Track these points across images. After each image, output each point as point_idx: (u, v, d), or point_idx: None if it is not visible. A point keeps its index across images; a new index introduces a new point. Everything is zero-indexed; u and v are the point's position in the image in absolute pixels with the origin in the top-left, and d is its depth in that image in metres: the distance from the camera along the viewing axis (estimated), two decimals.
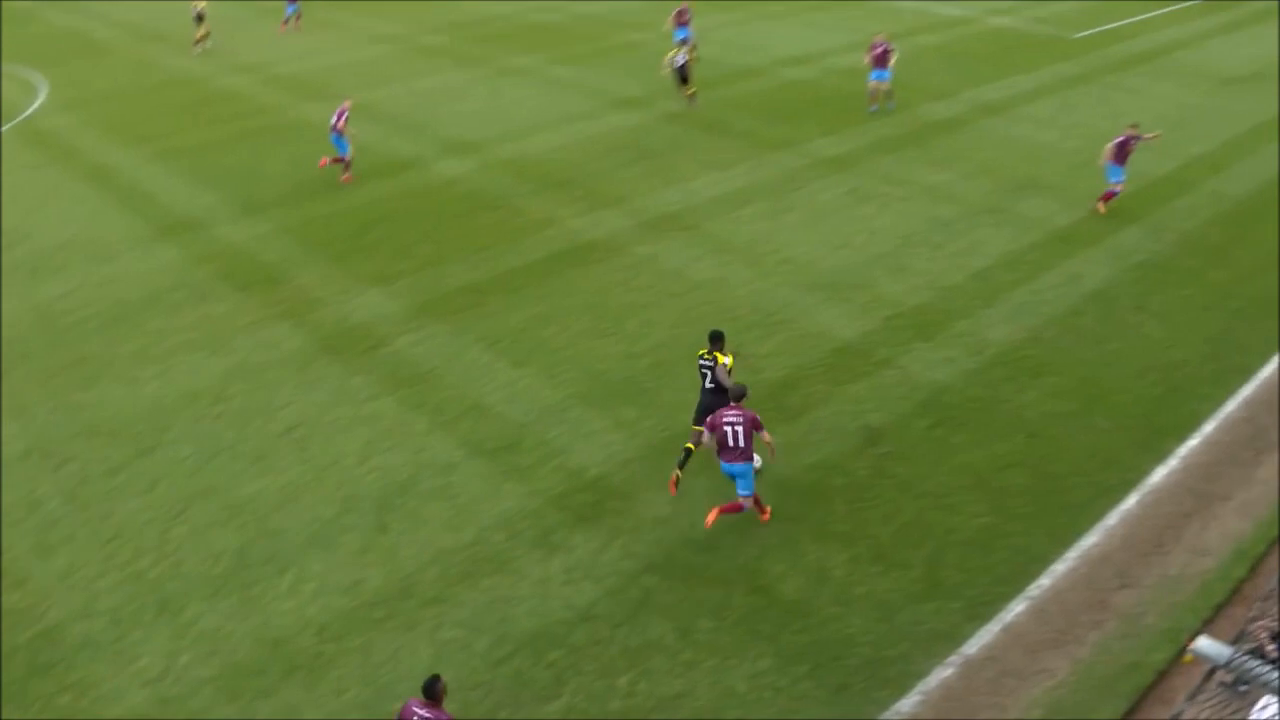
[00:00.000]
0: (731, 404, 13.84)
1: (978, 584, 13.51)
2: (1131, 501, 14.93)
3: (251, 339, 19.13)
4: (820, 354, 18.32)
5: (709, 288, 20.51)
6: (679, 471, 14.74)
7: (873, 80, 30.56)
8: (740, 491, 13.89)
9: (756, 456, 14.44)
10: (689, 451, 14.78)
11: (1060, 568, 13.78)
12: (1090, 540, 14.21)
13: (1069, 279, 21.01)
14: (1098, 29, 42.16)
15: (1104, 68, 36.33)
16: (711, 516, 13.96)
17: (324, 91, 32.95)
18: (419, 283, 20.88)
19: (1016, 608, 13.20)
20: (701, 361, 14.88)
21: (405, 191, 25.22)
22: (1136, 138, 23.87)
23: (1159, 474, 15.48)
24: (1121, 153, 23.75)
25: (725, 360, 14.73)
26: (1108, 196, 23.95)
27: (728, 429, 13.62)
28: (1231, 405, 17.10)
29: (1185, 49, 38.89)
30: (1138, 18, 44.57)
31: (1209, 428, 16.55)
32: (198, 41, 38.81)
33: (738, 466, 13.70)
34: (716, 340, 14.85)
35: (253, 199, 25.10)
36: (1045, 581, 13.58)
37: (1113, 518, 14.62)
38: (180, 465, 15.92)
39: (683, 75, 31.20)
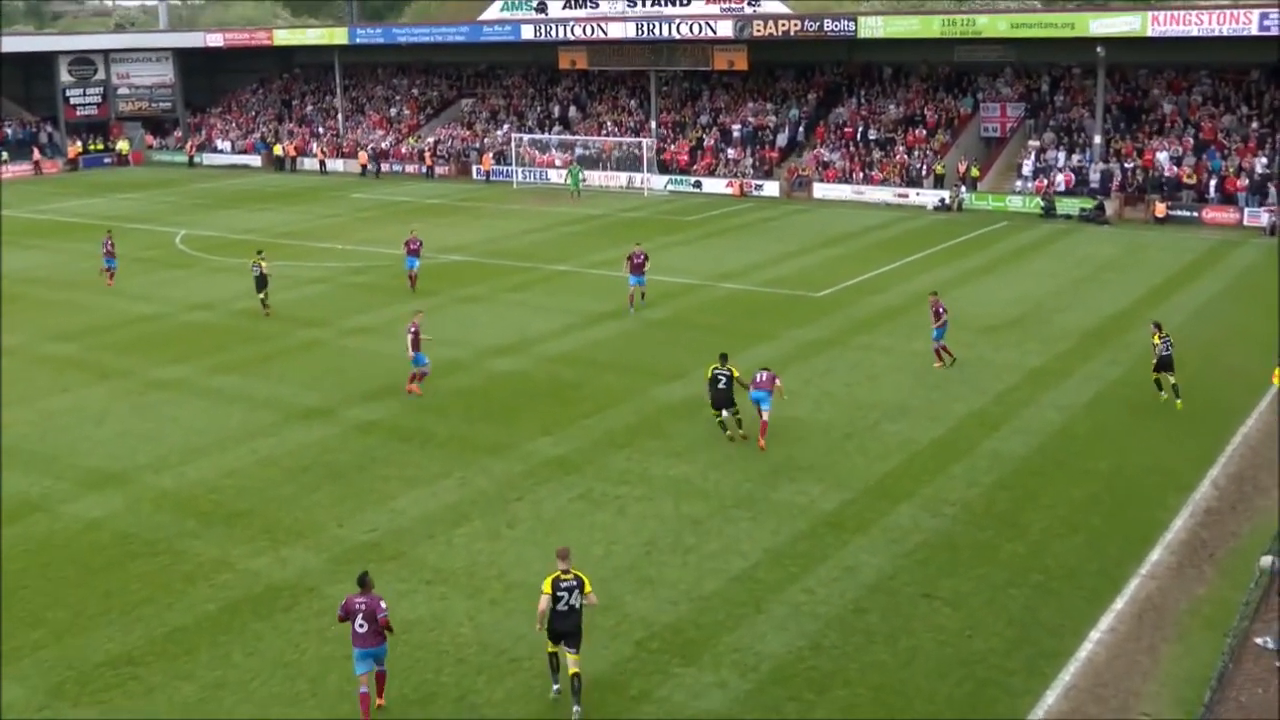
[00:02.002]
0: (764, 371, 28.35)
1: None
2: None
3: None
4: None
5: (424, 627, 20.30)
6: (728, 432, 28.63)
7: (631, 285, 41.51)
8: (764, 407, 28.03)
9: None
10: (723, 425, 28.65)
11: None
12: None
13: (844, 571, 21.92)
14: (841, 285, 45.55)
15: (852, 327, 39.14)
16: (761, 442, 28.05)
17: None
18: (53, 659, 19.75)
19: None
20: (718, 372, 28.03)
21: (32, 543, 24.14)
22: (939, 303, 34.56)
23: None
24: (939, 317, 34.18)
25: (736, 371, 28.22)
26: (943, 352, 34.48)
27: (759, 374, 28.12)
28: (1051, 698, 17.91)
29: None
30: (883, 269, 48.40)
31: None
32: None
33: (761, 393, 27.91)
34: (725, 358, 28.41)
35: None
36: None
37: None
38: None
39: (260, 284, 42.10)
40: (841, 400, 31.91)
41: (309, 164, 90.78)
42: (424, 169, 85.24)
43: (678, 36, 75.04)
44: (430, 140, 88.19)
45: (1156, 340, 30.84)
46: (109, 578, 22.54)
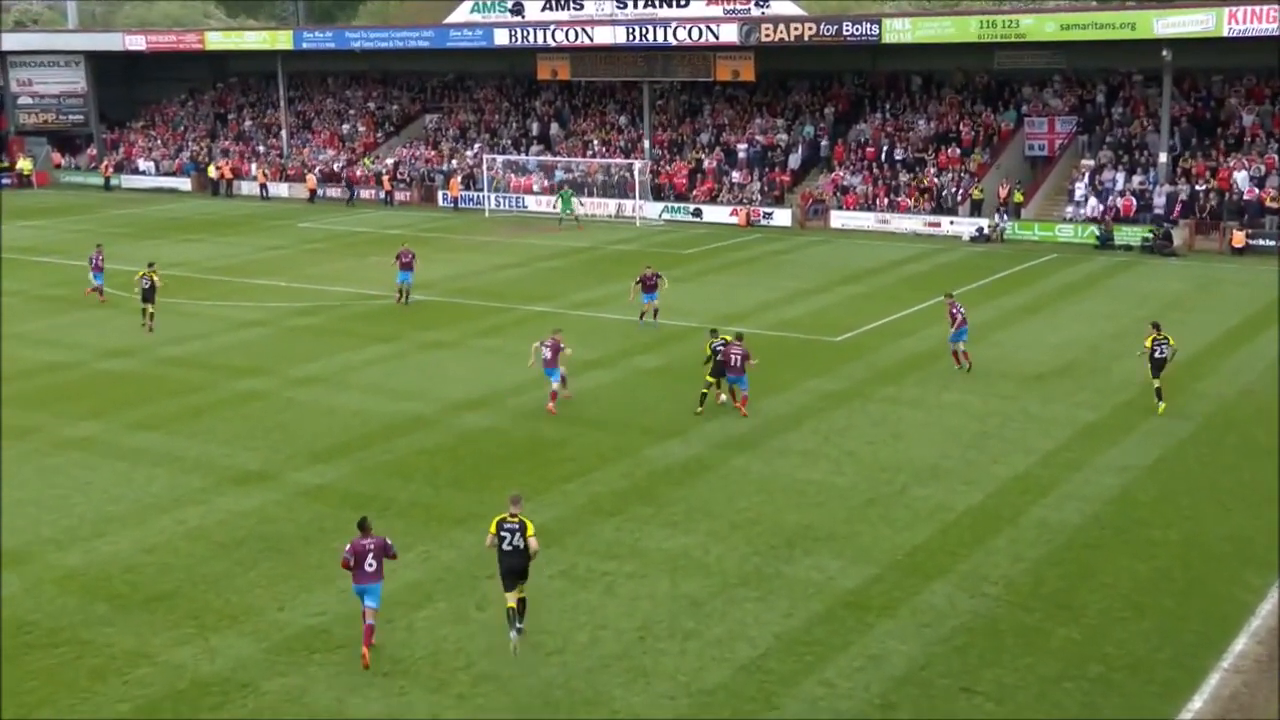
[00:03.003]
0: (734, 344, 34.85)
1: None
2: None
3: None
4: None
5: None
6: (701, 406, 35.69)
7: (644, 301, 45.88)
8: (741, 389, 35.08)
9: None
10: (707, 391, 35.78)
11: None
12: None
13: (870, 661, 21.79)
14: (863, 328, 45.58)
15: (875, 377, 39.18)
16: (743, 410, 35.17)
17: None
18: None
19: None
20: (715, 345, 35.19)
21: None
22: (955, 304, 39.29)
23: None
24: (957, 320, 38.84)
25: (731, 339, 35.44)
26: (961, 356, 39.42)
27: (733, 356, 34.60)
28: None
29: (974, 343, 42.25)
30: (911, 309, 48.38)
31: None
32: None
33: (736, 378, 34.82)
34: (715, 332, 36.22)
35: None
36: None
37: None
38: None
39: (148, 295, 46.73)
40: (864, 461, 31.84)
41: (248, 188, 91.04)
42: (382, 194, 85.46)
43: (674, 42, 75.54)
44: (389, 161, 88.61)
45: (1149, 343, 34.67)
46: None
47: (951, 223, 68.52)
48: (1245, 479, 30.09)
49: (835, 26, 71.28)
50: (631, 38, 76.48)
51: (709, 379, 35.68)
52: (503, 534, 22.10)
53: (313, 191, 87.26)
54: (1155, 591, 24.31)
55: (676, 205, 76.49)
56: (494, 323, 48.13)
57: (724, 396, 35.85)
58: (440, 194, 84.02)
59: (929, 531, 27.31)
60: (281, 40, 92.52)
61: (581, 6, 79.04)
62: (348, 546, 22.01)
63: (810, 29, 71.71)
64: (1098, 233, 63.58)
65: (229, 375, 40.83)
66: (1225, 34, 60.65)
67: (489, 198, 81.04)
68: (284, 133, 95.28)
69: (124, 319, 49.87)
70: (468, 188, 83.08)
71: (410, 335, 45.91)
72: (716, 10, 74.78)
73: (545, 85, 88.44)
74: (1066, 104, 73.59)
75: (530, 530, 22.10)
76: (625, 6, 77.61)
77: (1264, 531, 26.91)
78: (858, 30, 70.50)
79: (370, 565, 21.94)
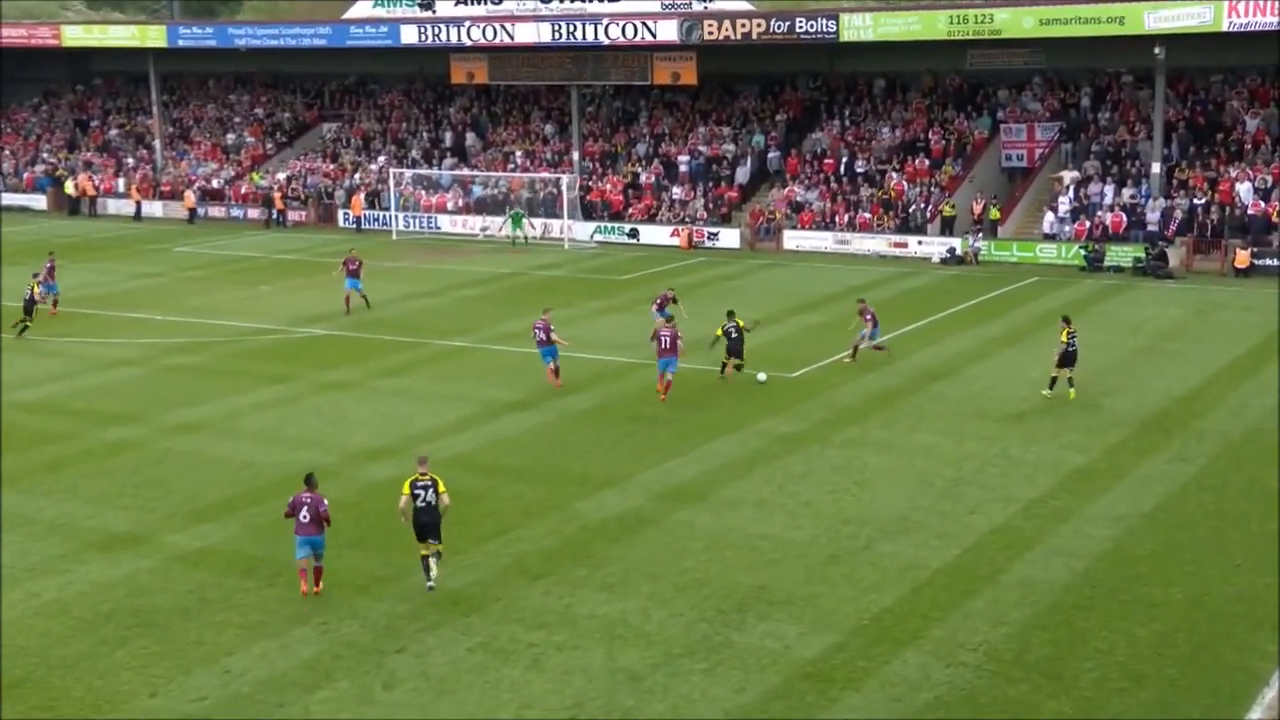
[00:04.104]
0: (666, 326, 41.40)
1: None
2: None
3: None
4: None
5: None
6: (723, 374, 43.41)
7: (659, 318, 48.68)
8: (669, 371, 41.01)
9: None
10: (723, 366, 43.34)
11: None
12: None
13: None
14: (822, 362, 45.67)
15: (836, 417, 39.29)
16: (663, 393, 41.18)
17: None
18: None
19: None
20: (727, 327, 42.58)
21: None
22: (868, 309, 44.64)
23: None
24: (873, 318, 44.46)
25: (744, 324, 43.11)
26: (877, 348, 44.98)
27: (664, 338, 40.88)
28: None
29: (947, 378, 42.55)
30: (874, 341, 48.41)
31: None
32: None
33: (666, 360, 40.96)
34: (732, 314, 43.42)
35: None
36: None
37: None
38: None
39: (27, 308, 51.93)
40: (824, 512, 31.83)
41: (115, 206, 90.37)
42: (274, 214, 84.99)
43: (606, 41, 75.64)
44: (281, 176, 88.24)
45: (1064, 337, 39.58)
46: None
47: (920, 243, 68.84)
48: (1255, 530, 30.21)
49: (787, 23, 71.47)
50: (557, 36, 76.40)
51: (723, 359, 42.83)
52: (416, 491, 27.03)
53: (192, 211, 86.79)
54: (1156, 659, 24.34)
55: (610, 225, 76.57)
56: (403, 359, 47.92)
57: (730, 371, 43.03)
58: (341, 213, 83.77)
59: (898, 592, 27.27)
60: (153, 36, 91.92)
61: (500, 1, 78.95)
62: (291, 499, 27.36)
63: (759, 26, 71.88)
64: (1086, 253, 63.76)
65: (94, 422, 40.40)
66: (1225, 28, 61.00)
67: (396, 217, 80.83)
68: (157, 143, 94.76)
69: None
70: (372, 206, 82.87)
71: (307, 375, 45.61)
72: (653, 5, 74.81)
73: (460, 90, 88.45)
74: (1047, 108, 74.16)
75: (442, 487, 27.11)
76: (550, 1, 77.59)
77: (1277, 590, 26.99)
78: (813, 27, 70.66)
79: (305, 517, 26.93)
